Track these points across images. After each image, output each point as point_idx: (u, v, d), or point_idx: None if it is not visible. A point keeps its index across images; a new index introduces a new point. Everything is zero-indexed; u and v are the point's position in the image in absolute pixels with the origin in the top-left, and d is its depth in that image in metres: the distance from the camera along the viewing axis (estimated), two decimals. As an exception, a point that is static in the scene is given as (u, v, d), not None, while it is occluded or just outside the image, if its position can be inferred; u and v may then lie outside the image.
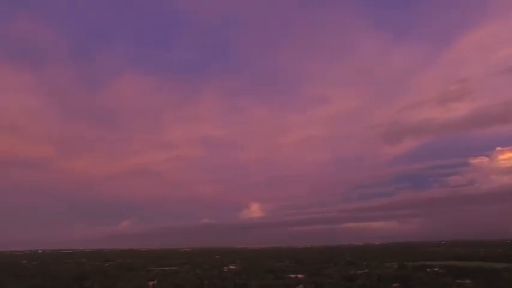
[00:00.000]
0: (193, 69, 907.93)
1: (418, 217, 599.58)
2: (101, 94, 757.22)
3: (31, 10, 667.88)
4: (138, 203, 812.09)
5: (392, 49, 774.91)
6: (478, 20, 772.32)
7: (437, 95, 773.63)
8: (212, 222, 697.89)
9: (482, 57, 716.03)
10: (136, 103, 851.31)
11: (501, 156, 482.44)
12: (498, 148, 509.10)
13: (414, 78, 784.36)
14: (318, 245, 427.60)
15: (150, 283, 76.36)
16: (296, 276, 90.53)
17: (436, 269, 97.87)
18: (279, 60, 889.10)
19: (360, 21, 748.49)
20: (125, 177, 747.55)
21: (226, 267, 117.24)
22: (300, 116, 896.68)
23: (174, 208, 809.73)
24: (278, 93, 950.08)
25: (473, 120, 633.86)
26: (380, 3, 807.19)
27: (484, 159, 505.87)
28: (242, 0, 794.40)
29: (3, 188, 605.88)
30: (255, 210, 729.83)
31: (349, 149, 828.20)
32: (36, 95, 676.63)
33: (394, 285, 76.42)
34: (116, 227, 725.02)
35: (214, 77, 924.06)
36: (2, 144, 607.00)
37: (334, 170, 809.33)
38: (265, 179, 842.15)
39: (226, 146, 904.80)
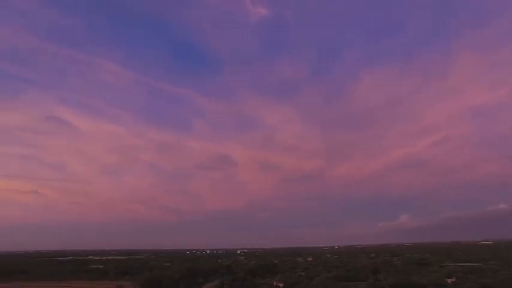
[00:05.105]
0: (428, 43, 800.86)
1: None
2: (346, 100, 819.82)
3: (284, 54, 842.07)
4: (411, 196, 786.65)
5: None
6: None
7: None
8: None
9: None
10: (382, 97, 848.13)
11: None
12: None
13: None
14: None
15: (449, 280, 69.34)
16: None
17: None
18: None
19: None
20: (392, 171, 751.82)
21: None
22: None
23: (453, 196, 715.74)
24: None
25: None
26: None
27: None
28: None
29: (297, 198, 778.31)
30: None
31: None
32: (297, 120, 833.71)
33: None
34: (395, 221, 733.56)
35: (458, 39, 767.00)
36: (290, 163, 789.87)
37: None
38: None
39: (502, 111, 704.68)
